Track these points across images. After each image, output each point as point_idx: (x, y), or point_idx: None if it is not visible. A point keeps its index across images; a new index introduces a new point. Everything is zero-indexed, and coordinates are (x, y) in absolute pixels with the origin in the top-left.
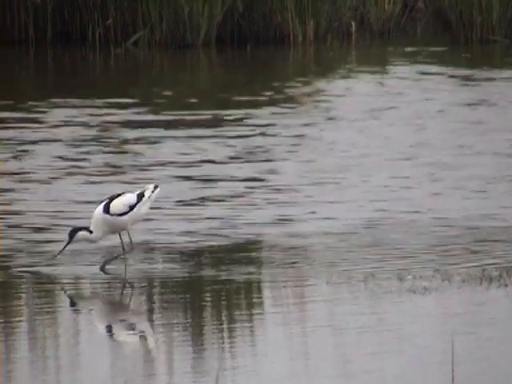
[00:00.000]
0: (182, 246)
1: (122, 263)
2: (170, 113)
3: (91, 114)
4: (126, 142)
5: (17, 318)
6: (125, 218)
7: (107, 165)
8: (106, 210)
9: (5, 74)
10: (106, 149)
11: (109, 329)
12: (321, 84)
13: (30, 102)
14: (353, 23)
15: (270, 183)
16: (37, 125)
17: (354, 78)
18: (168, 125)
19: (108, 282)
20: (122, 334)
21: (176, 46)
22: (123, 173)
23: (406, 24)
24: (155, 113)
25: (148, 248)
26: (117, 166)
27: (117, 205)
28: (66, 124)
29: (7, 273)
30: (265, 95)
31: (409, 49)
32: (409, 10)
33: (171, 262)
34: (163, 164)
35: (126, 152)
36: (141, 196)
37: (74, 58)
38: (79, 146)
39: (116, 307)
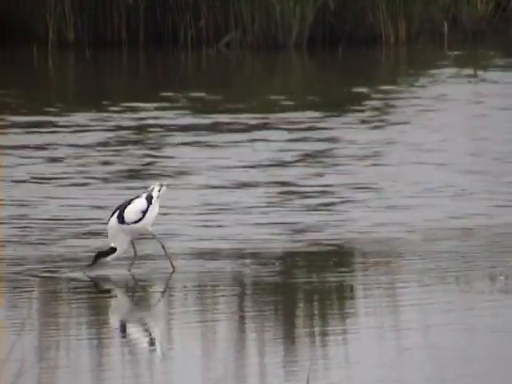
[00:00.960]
0: (268, 249)
1: (218, 266)
2: (257, 116)
3: (179, 115)
4: (215, 144)
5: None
6: (140, 224)
7: (182, 166)
8: (121, 219)
9: (99, 75)
10: (187, 150)
11: (204, 328)
12: (413, 87)
13: (123, 104)
14: (445, 23)
15: (358, 186)
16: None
17: (447, 80)
18: (253, 127)
19: (200, 285)
20: (217, 334)
21: (268, 48)
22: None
23: (498, 24)
24: (246, 112)
25: (240, 253)
26: (221, 166)
27: (130, 213)
28: (155, 125)
29: (50, 279)
30: (355, 98)
31: (502, 50)
32: (502, 9)
33: (260, 266)
34: (252, 166)
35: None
36: (150, 198)
37: (166, 59)
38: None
39: (210, 309)
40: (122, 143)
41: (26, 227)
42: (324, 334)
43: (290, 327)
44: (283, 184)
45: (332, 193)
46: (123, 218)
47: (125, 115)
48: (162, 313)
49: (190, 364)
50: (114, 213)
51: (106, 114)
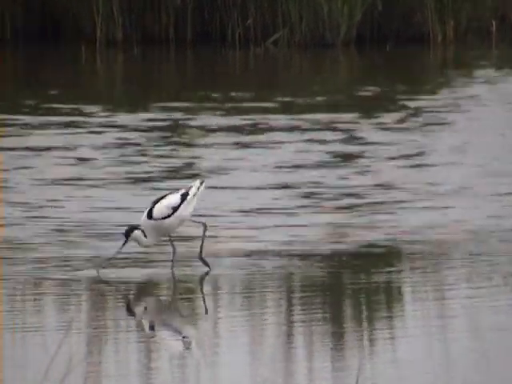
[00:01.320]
0: (314, 251)
1: (266, 266)
2: (300, 116)
3: (223, 114)
4: (255, 144)
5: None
6: (169, 220)
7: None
8: (150, 215)
9: (146, 74)
10: (226, 150)
11: (252, 330)
12: (458, 87)
13: (167, 103)
14: (493, 22)
15: (400, 187)
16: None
17: (493, 80)
18: (295, 127)
19: (246, 287)
20: (265, 336)
21: (315, 46)
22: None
23: None
24: (290, 112)
25: (286, 254)
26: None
27: (159, 208)
28: (197, 125)
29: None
30: (403, 97)
31: None
32: None
33: (307, 267)
34: (295, 166)
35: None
36: (185, 195)
37: (213, 57)
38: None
39: (258, 310)
40: (165, 143)
41: (61, 228)
42: (373, 335)
43: (338, 329)
44: (325, 185)
45: (375, 194)
46: (152, 213)
47: (170, 114)
48: (209, 313)
49: (238, 365)
50: (149, 206)
51: (150, 114)
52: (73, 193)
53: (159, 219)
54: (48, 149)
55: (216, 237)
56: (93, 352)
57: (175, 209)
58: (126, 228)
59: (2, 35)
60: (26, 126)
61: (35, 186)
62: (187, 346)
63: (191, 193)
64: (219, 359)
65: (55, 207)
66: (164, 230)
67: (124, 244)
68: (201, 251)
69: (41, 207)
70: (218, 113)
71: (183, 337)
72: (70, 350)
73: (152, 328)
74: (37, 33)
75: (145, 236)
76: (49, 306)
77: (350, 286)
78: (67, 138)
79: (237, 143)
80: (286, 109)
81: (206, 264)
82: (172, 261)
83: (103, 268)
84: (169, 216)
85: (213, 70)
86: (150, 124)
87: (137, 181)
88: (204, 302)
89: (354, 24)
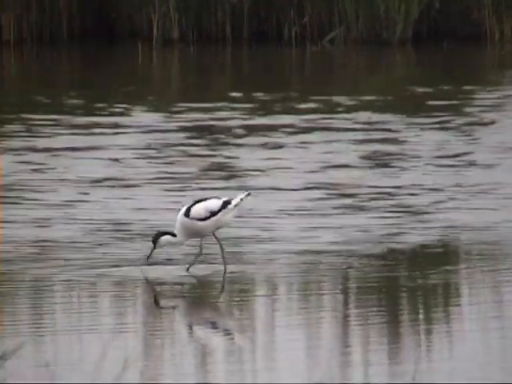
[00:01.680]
0: (367, 250)
1: (322, 265)
2: (352, 115)
3: (278, 113)
4: (297, 145)
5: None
6: (203, 223)
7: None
8: (187, 213)
9: (202, 72)
10: (263, 151)
11: (309, 327)
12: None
13: (217, 103)
14: None
15: (445, 187)
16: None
17: None
18: (343, 128)
19: (303, 286)
20: (322, 333)
21: (371, 44)
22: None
23: None
24: (341, 112)
25: (340, 252)
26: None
27: (198, 209)
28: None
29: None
30: (459, 96)
31: None
32: None
33: (362, 266)
34: (343, 166)
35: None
36: (227, 203)
37: (269, 55)
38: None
39: (315, 307)
40: (207, 143)
41: (97, 230)
42: (429, 333)
43: (395, 326)
44: (375, 186)
45: (423, 194)
46: (189, 211)
47: (215, 114)
48: (265, 313)
49: (295, 360)
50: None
51: (195, 114)
52: (113, 193)
53: (195, 219)
54: (91, 148)
55: (267, 238)
56: (148, 351)
57: (213, 213)
58: (152, 236)
59: (59, 36)
60: (75, 126)
61: (73, 187)
62: (248, 345)
63: (234, 202)
64: (275, 359)
65: (94, 208)
66: (195, 232)
67: (152, 251)
68: (225, 268)
69: (78, 207)
70: (260, 112)
71: (239, 337)
72: (125, 348)
73: (210, 327)
74: (93, 33)
75: (173, 235)
76: (98, 306)
77: (406, 284)
78: (110, 138)
79: (278, 144)
80: (334, 108)
81: (225, 266)
82: (193, 262)
83: (148, 263)
84: (205, 219)
85: (268, 68)
86: (198, 124)
87: (174, 181)
88: (262, 302)
89: (411, 22)
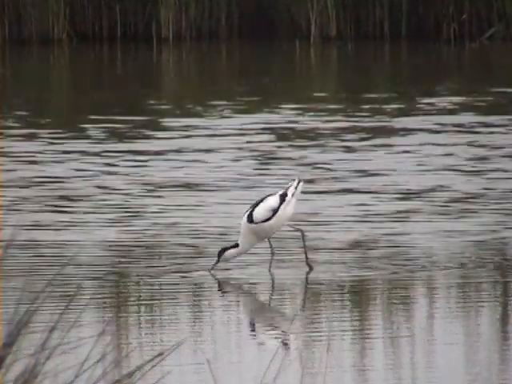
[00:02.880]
0: (435, 256)
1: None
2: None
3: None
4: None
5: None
6: (269, 223)
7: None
8: (250, 219)
9: (360, 70)
10: (346, 153)
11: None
12: None
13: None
14: None
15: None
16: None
17: None
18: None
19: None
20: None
21: None
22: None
23: None
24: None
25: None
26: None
27: (260, 212)
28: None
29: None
30: None
31: None
32: None
33: (432, 270)
34: (424, 171)
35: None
36: (284, 196)
37: (427, 52)
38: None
39: (348, 308)
40: (297, 147)
41: (171, 233)
42: None
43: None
44: (453, 189)
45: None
46: (252, 216)
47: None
48: (326, 312)
49: (452, 355)
50: (248, 210)
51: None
52: (184, 197)
53: (260, 222)
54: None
55: (340, 242)
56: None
57: (275, 210)
58: (219, 249)
59: (219, 34)
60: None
61: (144, 190)
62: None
63: (289, 193)
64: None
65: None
66: (265, 234)
67: (216, 263)
68: (306, 257)
69: (145, 210)
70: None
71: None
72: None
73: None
74: (251, 31)
75: (234, 246)
76: (178, 310)
77: (471, 287)
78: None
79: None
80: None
81: (311, 267)
82: (270, 262)
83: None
84: (269, 219)
85: (426, 64)
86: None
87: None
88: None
89: None
